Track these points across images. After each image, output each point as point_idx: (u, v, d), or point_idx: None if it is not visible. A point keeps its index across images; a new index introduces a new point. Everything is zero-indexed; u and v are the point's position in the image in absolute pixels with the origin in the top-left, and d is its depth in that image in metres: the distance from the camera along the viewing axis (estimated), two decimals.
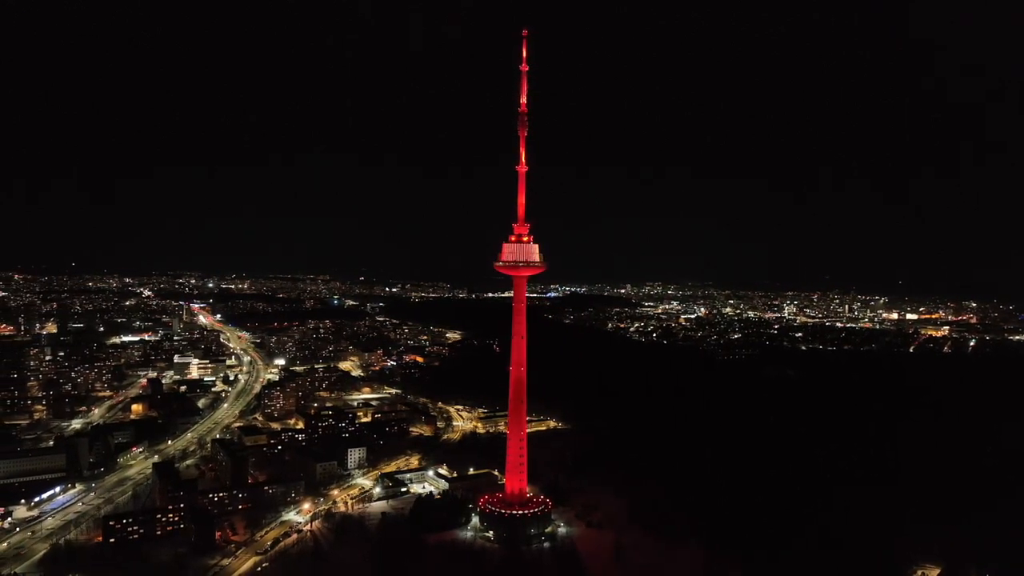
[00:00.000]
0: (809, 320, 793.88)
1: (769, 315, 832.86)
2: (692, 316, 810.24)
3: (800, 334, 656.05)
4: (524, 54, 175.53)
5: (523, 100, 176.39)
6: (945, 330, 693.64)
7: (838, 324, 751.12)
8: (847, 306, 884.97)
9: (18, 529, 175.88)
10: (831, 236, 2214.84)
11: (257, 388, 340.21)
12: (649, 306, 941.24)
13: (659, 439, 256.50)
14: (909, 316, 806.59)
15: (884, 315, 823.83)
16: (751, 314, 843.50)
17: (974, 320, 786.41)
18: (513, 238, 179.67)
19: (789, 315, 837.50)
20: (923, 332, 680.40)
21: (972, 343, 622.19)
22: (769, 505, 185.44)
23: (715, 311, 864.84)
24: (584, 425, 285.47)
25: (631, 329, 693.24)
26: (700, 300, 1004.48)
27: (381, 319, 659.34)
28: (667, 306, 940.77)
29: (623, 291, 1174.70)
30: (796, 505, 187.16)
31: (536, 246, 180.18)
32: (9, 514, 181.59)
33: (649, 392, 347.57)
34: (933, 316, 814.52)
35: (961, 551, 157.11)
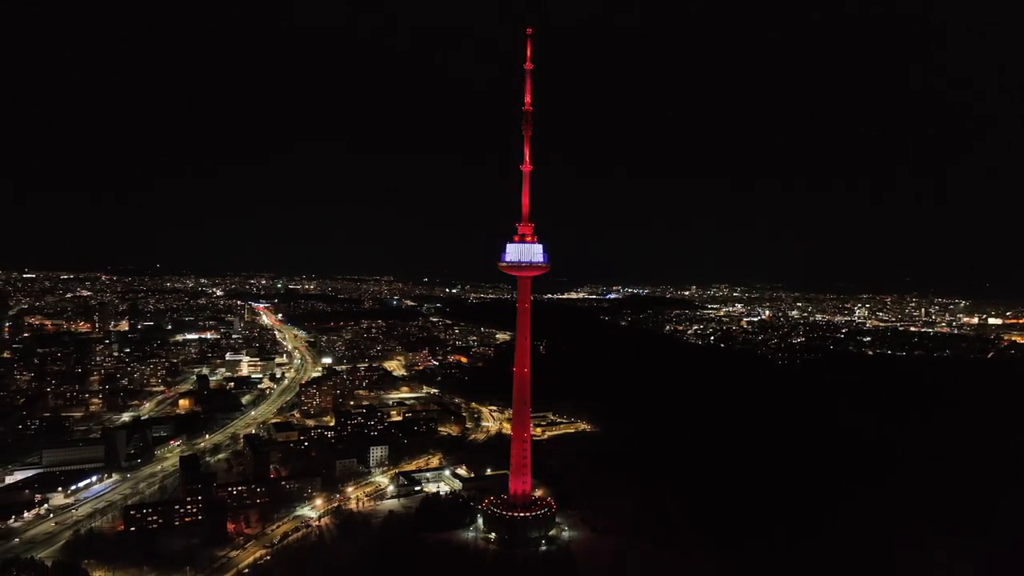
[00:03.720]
0: (881, 324, 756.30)
1: (838, 318, 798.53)
2: (755, 319, 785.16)
3: (869, 338, 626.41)
4: (528, 53, 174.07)
5: (528, 99, 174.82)
6: None
7: (912, 328, 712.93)
8: (923, 309, 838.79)
9: (52, 515, 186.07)
10: (913, 236, 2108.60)
11: None
12: (712, 308, 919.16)
13: (685, 446, 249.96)
14: (992, 320, 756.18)
15: (964, 319, 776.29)
16: (819, 317, 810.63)
17: None
18: (517, 238, 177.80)
19: (860, 318, 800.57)
20: (1005, 338, 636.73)
21: None
22: (783, 516, 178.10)
23: (780, 314, 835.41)
24: (613, 429, 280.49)
25: (689, 332, 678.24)
26: (766, 303, 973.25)
27: (435, 319, 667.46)
28: (730, 308, 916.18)
29: (687, 293, 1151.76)
30: (811, 516, 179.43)
31: (540, 246, 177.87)
32: (46, 501, 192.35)
33: (689, 397, 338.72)
34: (1020, 321, 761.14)
35: (963, 563, 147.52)
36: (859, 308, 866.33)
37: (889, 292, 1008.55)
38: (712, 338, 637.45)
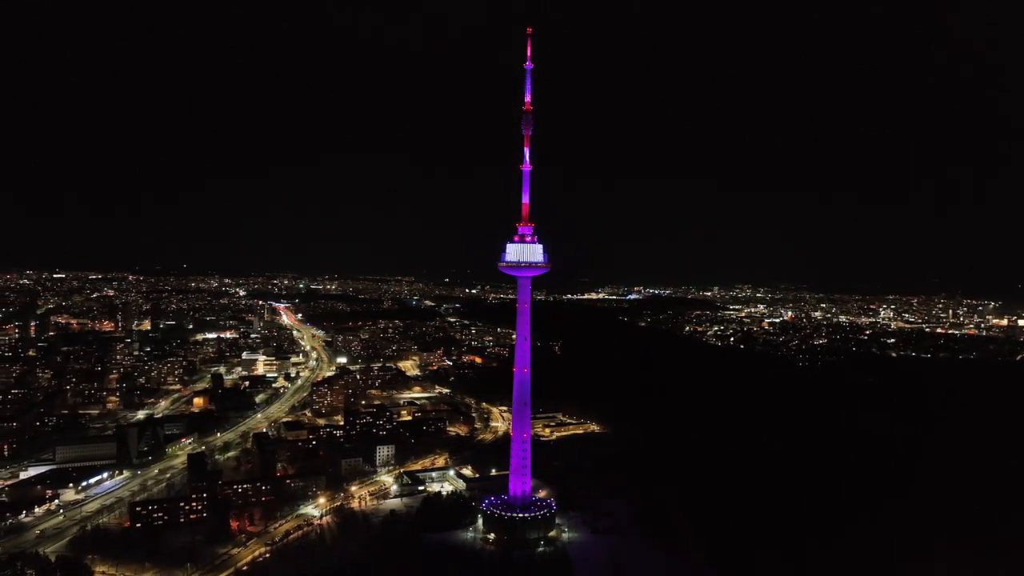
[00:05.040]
0: (906, 325, 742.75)
1: (863, 320, 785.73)
2: (777, 320, 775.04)
3: (893, 340, 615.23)
4: (529, 52, 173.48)
5: (527, 99, 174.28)
6: None
7: (938, 330, 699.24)
8: (951, 311, 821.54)
9: (62, 511, 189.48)
10: (923, 237, 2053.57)
11: None
12: (734, 309, 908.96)
13: (691, 446, 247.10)
14: (1022, 322, 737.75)
15: (993, 321, 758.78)
16: (843, 318, 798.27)
17: None
18: (517, 238, 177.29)
19: (884, 320, 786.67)
20: None
21: None
22: (783, 517, 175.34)
23: (803, 315, 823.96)
24: (623, 430, 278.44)
25: (708, 333, 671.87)
26: (789, 303, 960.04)
27: (452, 320, 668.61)
28: (752, 309, 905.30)
29: (709, 294, 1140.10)
30: (811, 516, 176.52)
31: (540, 246, 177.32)
32: (57, 496, 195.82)
33: (701, 398, 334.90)
34: None
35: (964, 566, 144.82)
36: (884, 309, 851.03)
37: (916, 293, 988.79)
38: (732, 339, 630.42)
